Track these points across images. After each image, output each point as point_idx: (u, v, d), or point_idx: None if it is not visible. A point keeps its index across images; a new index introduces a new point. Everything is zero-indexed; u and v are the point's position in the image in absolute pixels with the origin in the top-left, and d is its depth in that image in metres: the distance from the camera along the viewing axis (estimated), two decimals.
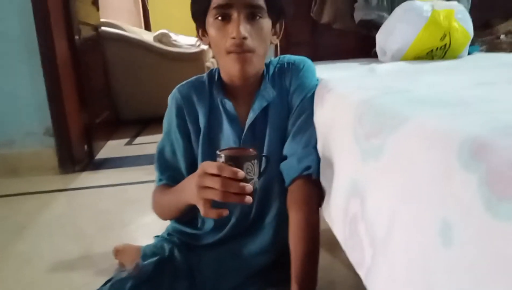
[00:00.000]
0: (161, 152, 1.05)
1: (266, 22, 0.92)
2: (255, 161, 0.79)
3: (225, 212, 0.78)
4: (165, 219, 1.08)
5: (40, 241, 1.62)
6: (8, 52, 2.36)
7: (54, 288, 1.30)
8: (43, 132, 2.46)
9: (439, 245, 0.44)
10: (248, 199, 0.75)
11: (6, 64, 2.37)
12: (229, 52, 0.90)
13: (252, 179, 0.78)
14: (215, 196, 0.75)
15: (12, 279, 1.36)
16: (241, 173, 0.74)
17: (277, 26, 0.99)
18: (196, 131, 1.01)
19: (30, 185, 2.31)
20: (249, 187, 0.75)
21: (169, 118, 1.03)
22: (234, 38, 0.87)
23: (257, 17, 0.89)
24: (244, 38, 0.87)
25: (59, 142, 2.46)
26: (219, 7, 0.88)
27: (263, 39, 0.92)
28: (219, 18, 0.89)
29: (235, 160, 0.76)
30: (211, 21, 0.90)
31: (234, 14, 0.87)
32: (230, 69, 0.93)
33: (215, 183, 0.74)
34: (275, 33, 0.99)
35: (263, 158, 0.90)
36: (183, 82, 1.04)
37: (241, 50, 0.88)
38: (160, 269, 1.00)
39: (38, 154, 2.47)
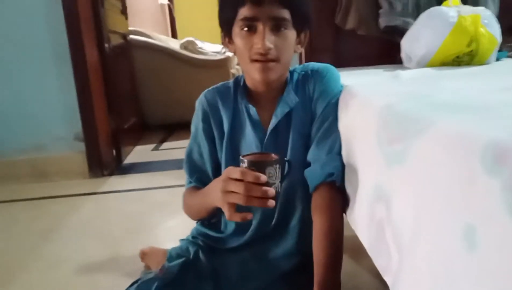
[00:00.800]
0: (189, 155, 1.09)
1: (290, 33, 0.94)
2: (277, 165, 0.80)
3: (249, 216, 0.80)
4: (194, 219, 1.12)
5: (68, 244, 1.66)
6: (39, 59, 2.43)
7: None
8: (73, 137, 2.52)
9: (463, 250, 0.44)
10: (271, 203, 0.77)
11: (37, 71, 2.44)
12: (253, 60, 0.92)
13: (274, 183, 0.79)
14: (239, 200, 0.78)
15: (40, 281, 1.39)
16: (263, 178, 0.76)
17: (302, 35, 1.00)
18: (220, 135, 1.04)
19: (59, 189, 2.37)
20: (271, 191, 0.77)
21: (196, 122, 1.07)
22: (259, 48, 0.89)
23: (282, 29, 0.91)
24: (269, 49, 0.89)
25: (88, 147, 2.51)
26: (246, 19, 0.90)
27: (287, 49, 0.94)
28: (245, 29, 0.91)
29: (257, 165, 0.78)
30: (238, 31, 0.93)
31: (260, 26, 0.89)
32: (253, 76, 0.95)
33: (238, 187, 0.77)
34: (299, 42, 1.00)
35: (286, 162, 0.91)
36: (210, 88, 1.07)
37: (265, 59, 0.90)
38: (185, 271, 1.02)
39: (68, 158, 2.53)
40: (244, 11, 0.90)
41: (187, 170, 1.09)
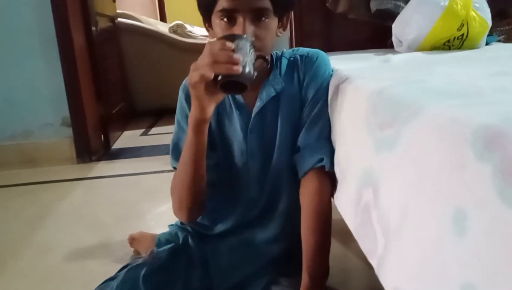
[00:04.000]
0: (176, 144, 1.03)
1: (272, 22, 0.91)
2: (247, 42, 0.78)
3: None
4: (181, 203, 0.98)
5: (58, 230, 1.66)
6: (25, 43, 2.39)
7: (72, 277, 1.32)
8: (60, 123, 2.50)
9: (452, 235, 0.44)
10: (237, 68, 0.74)
11: (22, 55, 2.40)
12: None
13: (243, 57, 0.76)
14: (205, 69, 0.75)
15: (30, 268, 1.39)
16: (230, 44, 0.75)
17: (284, 19, 0.98)
18: None
19: (48, 175, 2.35)
20: (237, 56, 0.74)
21: (181, 109, 1.03)
22: None
23: (263, 18, 0.88)
24: None
25: (76, 133, 2.49)
26: (225, 10, 0.86)
27: (269, 38, 0.91)
28: (225, 20, 0.88)
29: (227, 38, 0.77)
30: (217, 21, 0.89)
31: (240, 18, 0.86)
32: None
33: (205, 57, 0.75)
34: (281, 26, 0.98)
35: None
36: None
37: None
38: (174, 256, 1.02)
39: (55, 144, 2.51)
40: (223, 2, 0.86)
41: (175, 158, 1.03)
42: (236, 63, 0.73)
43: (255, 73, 0.79)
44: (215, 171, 1.00)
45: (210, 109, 0.83)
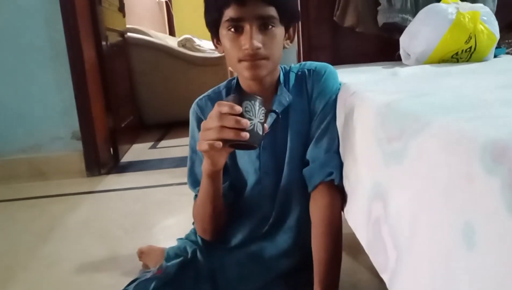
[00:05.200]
0: (191, 168, 1.07)
1: (278, 30, 0.92)
2: (256, 102, 0.79)
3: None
4: (205, 228, 1.05)
5: (67, 243, 1.66)
6: (36, 57, 2.42)
7: (80, 289, 1.32)
8: (70, 136, 2.52)
9: (462, 248, 0.44)
10: (245, 134, 0.75)
11: (33, 69, 2.43)
12: (241, 61, 0.90)
13: (251, 119, 0.78)
14: (213, 134, 0.77)
15: (39, 280, 1.39)
16: (237, 108, 0.76)
17: (290, 30, 0.99)
18: None
19: (57, 188, 2.36)
20: (245, 121, 0.76)
21: (192, 132, 1.06)
22: (247, 49, 0.88)
23: (270, 27, 0.89)
24: (258, 48, 0.88)
25: (85, 146, 2.51)
26: (231, 20, 0.88)
27: (276, 46, 0.92)
28: (232, 30, 0.89)
29: (234, 99, 0.78)
30: (224, 32, 0.91)
31: (247, 26, 0.87)
32: (244, 74, 0.93)
33: (213, 122, 0.77)
34: (288, 37, 0.99)
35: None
36: (200, 96, 1.07)
37: (254, 59, 0.89)
38: (183, 271, 1.01)
39: (65, 157, 2.53)
40: (229, 12, 0.87)
41: (192, 184, 1.07)
42: (244, 128, 0.76)
43: (264, 133, 0.82)
44: (229, 192, 1.03)
45: (222, 162, 0.88)
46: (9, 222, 1.94)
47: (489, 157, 0.41)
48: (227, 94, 1.04)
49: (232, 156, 1.03)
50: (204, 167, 0.90)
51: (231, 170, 1.04)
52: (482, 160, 0.41)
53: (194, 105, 1.06)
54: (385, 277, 0.65)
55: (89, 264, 1.48)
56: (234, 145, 0.80)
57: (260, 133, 0.80)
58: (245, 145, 0.79)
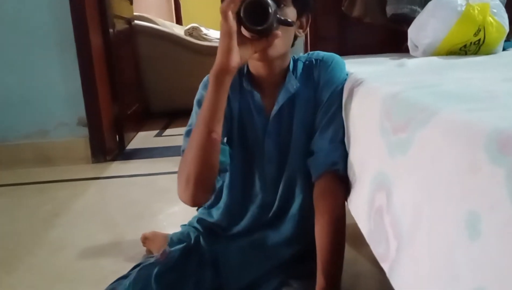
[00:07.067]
0: (190, 128, 0.97)
1: (290, 11, 0.91)
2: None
3: None
4: (189, 175, 0.86)
5: (72, 229, 1.68)
6: (43, 44, 2.43)
7: (84, 274, 1.34)
8: (76, 122, 2.53)
9: (465, 238, 0.44)
10: None
11: (40, 55, 2.44)
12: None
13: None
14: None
15: (44, 265, 1.40)
16: None
17: (303, 19, 0.98)
18: (228, 114, 0.99)
19: (63, 173, 2.38)
20: None
21: (198, 102, 0.99)
22: None
23: (282, 5, 0.89)
24: None
25: (91, 132, 2.53)
26: None
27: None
28: None
29: None
30: None
31: None
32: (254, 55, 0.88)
33: None
34: (301, 26, 0.99)
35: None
36: None
37: None
38: (186, 256, 1.02)
39: (71, 143, 2.54)
40: None
41: (186, 133, 0.97)
42: None
43: (277, 25, 0.81)
44: (228, 157, 0.96)
45: (235, 58, 0.78)
46: (14, 207, 1.96)
47: (495, 147, 0.40)
48: (240, 77, 1.02)
49: (242, 142, 1.02)
50: (214, 66, 0.80)
51: (238, 151, 1.02)
52: (487, 150, 0.41)
53: (206, 78, 1.01)
54: (385, 266, 0.66)
55: (94, 249, 1.49)
56: (248, 6, 0.77)
57: (273, 24, 0.80)
58: (258, 11, 0.77)
